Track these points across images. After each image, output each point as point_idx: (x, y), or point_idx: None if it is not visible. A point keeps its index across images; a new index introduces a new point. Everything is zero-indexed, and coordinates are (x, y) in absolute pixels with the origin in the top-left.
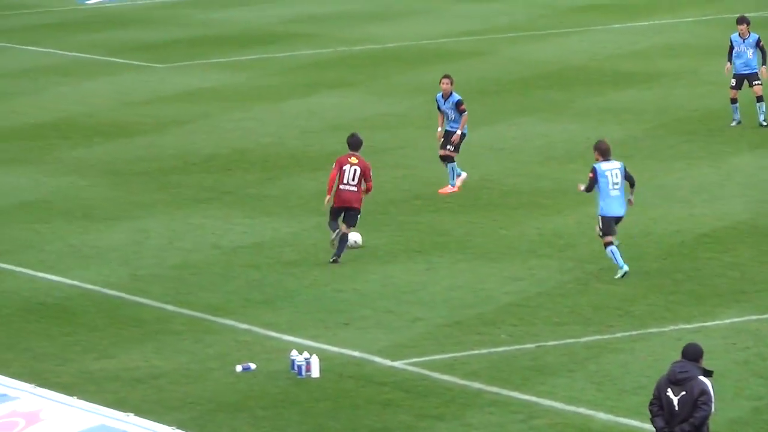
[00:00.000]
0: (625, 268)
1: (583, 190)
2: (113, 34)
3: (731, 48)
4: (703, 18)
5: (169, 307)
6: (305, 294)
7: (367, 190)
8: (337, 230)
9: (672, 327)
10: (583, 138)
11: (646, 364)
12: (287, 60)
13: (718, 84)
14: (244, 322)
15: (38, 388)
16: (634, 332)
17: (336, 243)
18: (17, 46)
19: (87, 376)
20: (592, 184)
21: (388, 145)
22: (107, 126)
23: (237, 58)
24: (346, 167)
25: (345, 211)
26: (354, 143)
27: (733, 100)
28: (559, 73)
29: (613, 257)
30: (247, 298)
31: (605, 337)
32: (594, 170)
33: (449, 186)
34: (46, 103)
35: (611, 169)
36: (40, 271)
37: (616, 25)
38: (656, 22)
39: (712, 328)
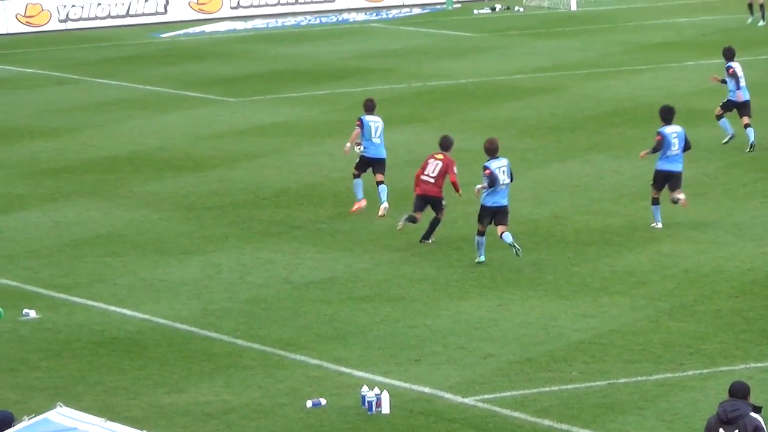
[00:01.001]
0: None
1: (481, 188)
2: (187, 68)
3: None
4: None
5: (240, 342)
6: (376, 330)
7: (454, 187)
8: (408, 217)
9: (743, 366)
10: None
11: (716, 402)
12: (360, 95)
13: None
14: (314, 357)
15: (108, 422)
16: (705, 370)
17: (402, 225)
18: (92, 79)
19: (158, 410)
20: (492, 180)
21: (461, 181)
22: (180, 160)
23: (309, 93)
24: (431, 161)
25: (427, 201)
26: (443, 143)
27: None
28: (632, 110)
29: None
30: (318, 333)
31: (676, 375)
32: (486, 167)
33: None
34: (120, 137)
35: (500, 167)
36: (112, 304)
37: (690, 63)
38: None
39: None
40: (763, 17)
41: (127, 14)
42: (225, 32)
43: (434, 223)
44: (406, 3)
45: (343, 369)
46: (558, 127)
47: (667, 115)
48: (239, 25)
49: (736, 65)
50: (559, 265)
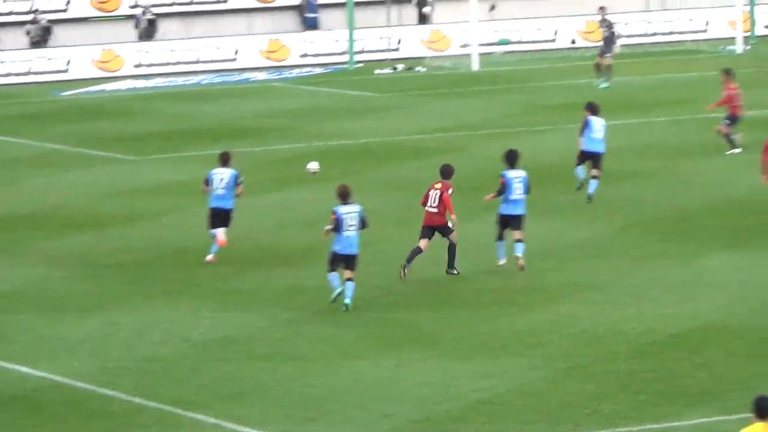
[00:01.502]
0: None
1: (328, 230)
2: (89, 126)
3: None
4: (677, 118)
5: (138, 400)
6: (275, 388)
7: (446, 206)
8: (407, 260)
9: (640, 427)
10: (555, 235)
11: None
12: (261, 154)
13: (691, 183)
14: (212, 416)
15: None
16: (601, 431)
17: (405, 273)
18: None
19: None
20: (336, 225)
21: (362, 240)
22: (80, 218)
23: (211, 152)
24: (431, 192)
25: (434, 230)
26: (444, 171)
27: None
28: (532, 171)
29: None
30: (216, 391)
31: None
32: (334, 212)
33: None
34: (21, 194)
35: (349, 213)
36: (10, 362)
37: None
38: (630, 121)
39: (680, 428)
40: (607, 79)
41: (29, 72)
42: (126, 90)
43: (452, 250)
44: (307, 62)
45: (241, 428)
46: (460, 187)
47: (511, 159)
48: (141, 84)
49: (593, 118)
50: (459, 324)
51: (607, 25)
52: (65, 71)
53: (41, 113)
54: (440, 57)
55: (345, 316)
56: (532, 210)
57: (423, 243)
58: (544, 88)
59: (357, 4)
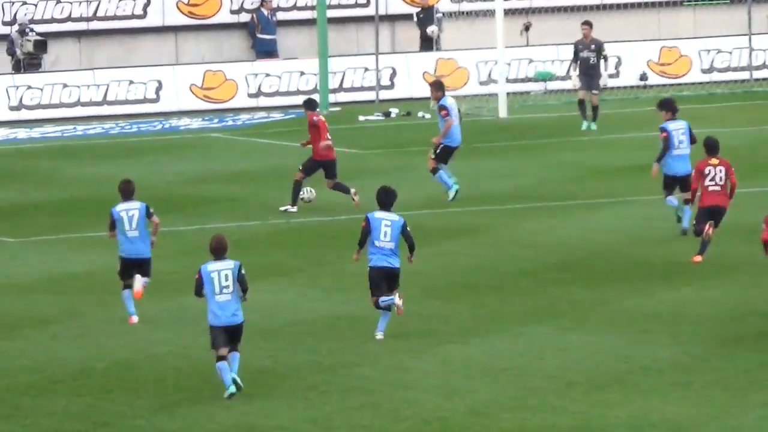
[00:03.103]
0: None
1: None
2: None
3: None
4: None
5: None
6: None
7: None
8: None
9: None
10: None
11: None
12: (195, 235)
13: None
14: None
15: None
16: None
17: None
18: None
19: None
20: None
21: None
22: None
23: None
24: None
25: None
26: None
27: None
28: (585, 263)
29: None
30: None
31: None
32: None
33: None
34: None
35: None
36: None
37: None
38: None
39: None
40: (594, 119)
41: None
42: (2, 141)
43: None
44: (260, 104)
45: None
46: (478, 285)
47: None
48: (23, 134)
49: (673, 127)
50: None
51: (595, 49)
52: None
53: None
54: (453, 98)
55: None
56: None
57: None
58: (601, 143)
59: (332, 21)
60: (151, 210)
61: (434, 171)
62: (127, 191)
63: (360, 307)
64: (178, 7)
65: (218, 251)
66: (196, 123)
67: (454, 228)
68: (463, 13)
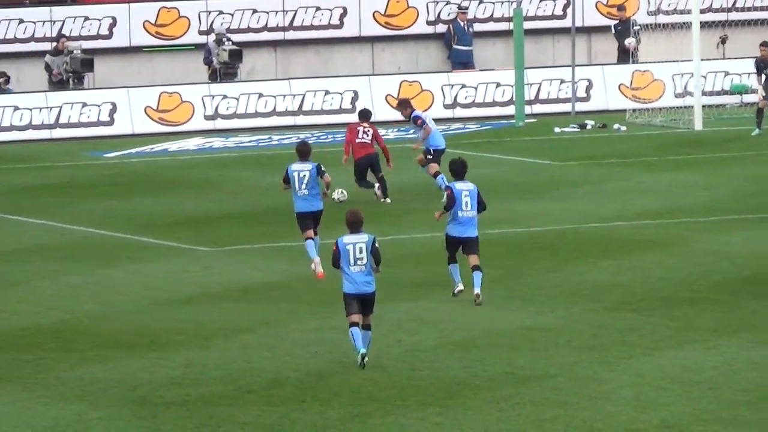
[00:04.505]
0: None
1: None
2: (141, 202)
3: None
4: None
5: None
6: None
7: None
8: None
9: None
10: None
11: None
12: (394, 246)
13: None
14: None
15: None
16: None
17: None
18: (2, 215)
19: None
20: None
21: None
22: (129, 334)
23: (325, 240)
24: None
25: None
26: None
27: None
28: None
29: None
30: None
31: None
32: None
33: None
34: (43, 299)
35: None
36: None
37: None
38: None
39: None
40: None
41: (56, 123)
42: (197, 151)
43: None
44: (455, 115)
45: None
46: (673, 297)
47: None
48: (218, 143)
49: None
50: None
51: None
52: (109, 123)
53: (73, 183)
54: (648, 110)
55: None
56: None
57: None
58: None
59: (528, 32)
60: (323, 168)
61: (428, 169)
62: (303, 152)
63: (556, 318)
64: (374, 18)
65: (354, 225)
66: (392, 133)
67: (647, 240)
68: (659, 25)
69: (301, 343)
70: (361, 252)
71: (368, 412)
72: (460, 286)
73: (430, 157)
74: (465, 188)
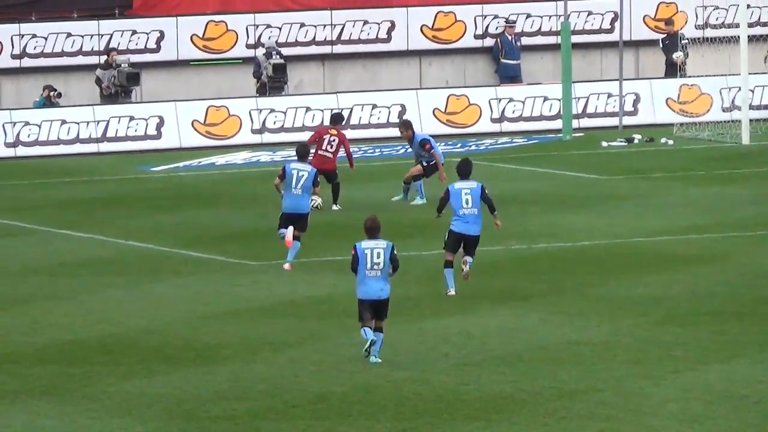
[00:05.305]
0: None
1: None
2: (190, 216)
3: None
4: None
5: None
6: None
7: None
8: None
9: None
10: None
11: None
12: (429, 259)
13: None
14: None
15: None
16: None
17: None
18: (50, 229)
19: None
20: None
21: None
22: (175, 347)
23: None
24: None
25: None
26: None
27: None
28: None
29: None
30: None
31: None
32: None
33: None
34: (89, 313)
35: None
36: None
37: None
38: None
39: None
40: None
41: (104, 137)
42: (244, 165)
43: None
44: (503, 129)
45: None
46: (720, 312)
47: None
48: (265, 157)
49: None
50: None
51: None
52: (156, 137)
53: (120, 197)
54: (695, 124)
55: None
56: None
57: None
58: None
59: (576, 46)
60: (318, 180)
61: (412, 170)
62: (301, 153)
63: (602, 333)
64: (422, 32)
65: (372, 230)
66: (439, 147)
67: (694, 254)
68: (707, 39)
69: (348, 357)
70: (378, 257)
71: (414, 426)
72: (452, 291)
73: (424, 165)
74: (466, 187)
